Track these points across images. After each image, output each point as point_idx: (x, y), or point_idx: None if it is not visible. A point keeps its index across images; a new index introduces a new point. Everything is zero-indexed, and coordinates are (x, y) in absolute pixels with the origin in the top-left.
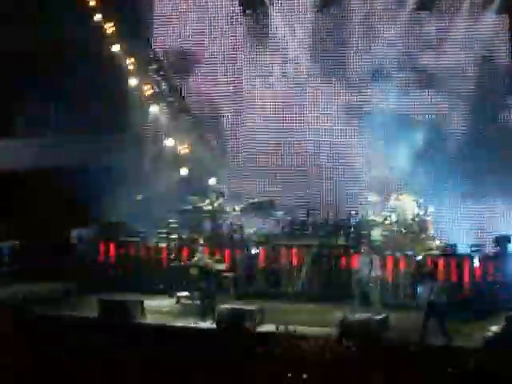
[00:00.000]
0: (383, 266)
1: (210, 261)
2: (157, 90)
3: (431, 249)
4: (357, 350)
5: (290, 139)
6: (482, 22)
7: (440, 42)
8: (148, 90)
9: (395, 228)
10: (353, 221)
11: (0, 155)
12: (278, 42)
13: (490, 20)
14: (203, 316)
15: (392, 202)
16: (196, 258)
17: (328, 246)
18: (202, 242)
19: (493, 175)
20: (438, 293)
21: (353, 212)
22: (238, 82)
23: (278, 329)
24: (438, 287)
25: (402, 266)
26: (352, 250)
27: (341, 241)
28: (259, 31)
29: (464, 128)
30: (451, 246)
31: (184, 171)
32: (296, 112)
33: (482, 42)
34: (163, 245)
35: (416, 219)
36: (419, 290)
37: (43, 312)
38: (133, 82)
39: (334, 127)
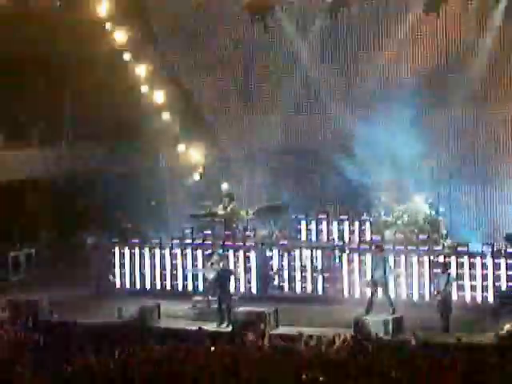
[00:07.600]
0: (396, 266)
1: (225, 264)
2: (168, 96)
3: (443, 248)
4: (372, 349)
5: (302, 139)
6: None
7: None
8: (160, 97)
9: (407, 228)
10: (366, 221)
11: (16, 164)
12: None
13: None
14: (221, 319)
15: (404, 203)
16: (212, 262)
17: (341, 246)
18: (217, 246)
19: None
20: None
21: (365, 213)
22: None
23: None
24: (450, 284)
25: (414, 265)
26: (365, 251)
27: (354, 241)
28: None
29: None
30: (463, 244)
31: (197, 176)
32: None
33: None
34: (178, 250)
35: (428, 219)
36: (432, 288)
37: (61, 318)
38: (145, 88)
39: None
